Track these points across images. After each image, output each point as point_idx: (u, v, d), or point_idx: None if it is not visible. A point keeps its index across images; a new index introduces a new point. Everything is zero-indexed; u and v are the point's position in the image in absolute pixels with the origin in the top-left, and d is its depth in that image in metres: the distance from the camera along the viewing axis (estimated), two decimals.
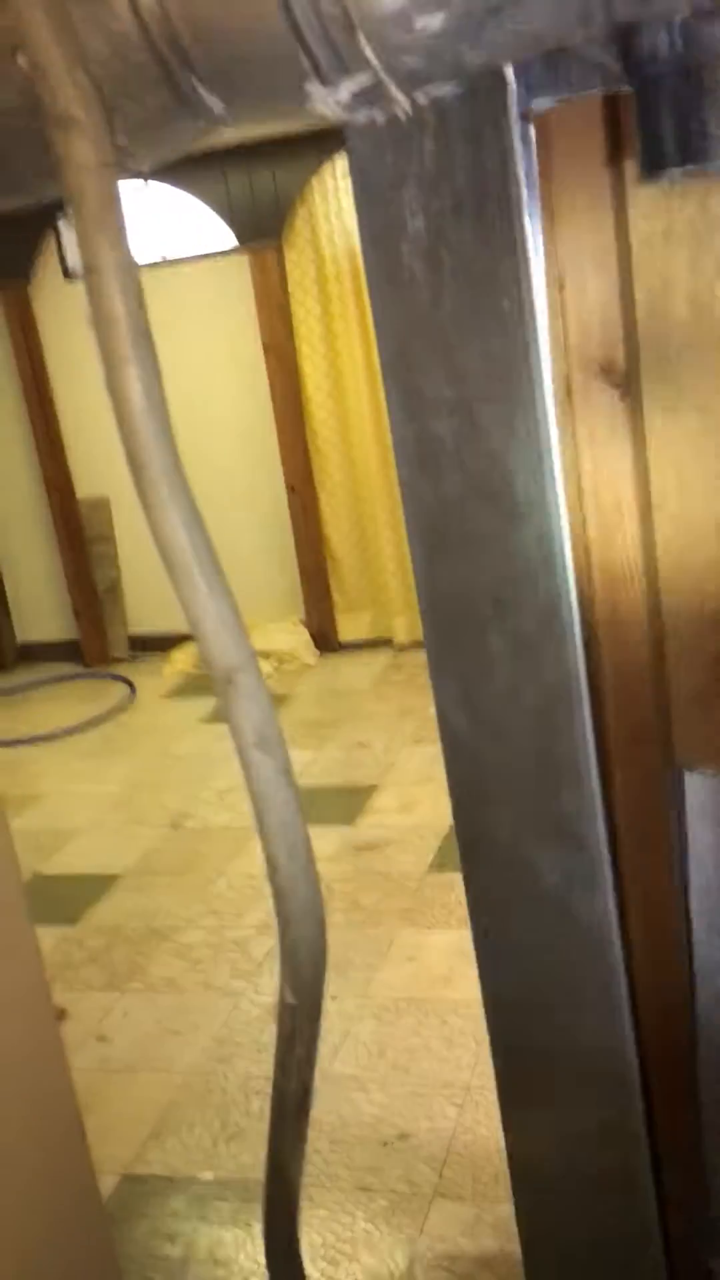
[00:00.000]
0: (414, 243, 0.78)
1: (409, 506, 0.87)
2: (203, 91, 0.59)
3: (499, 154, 0.74)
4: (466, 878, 0.98)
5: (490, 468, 0.82)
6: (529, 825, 0.93)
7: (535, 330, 0.79)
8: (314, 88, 0.57)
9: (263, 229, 4.75)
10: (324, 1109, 2.35)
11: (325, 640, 5.18)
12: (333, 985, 2.70)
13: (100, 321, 0.58)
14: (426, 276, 0.78)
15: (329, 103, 0.58)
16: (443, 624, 0.89)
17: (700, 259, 0.91)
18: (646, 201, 0.90)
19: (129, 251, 0.58)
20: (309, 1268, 2.00)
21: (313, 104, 0.58)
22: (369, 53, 0.55)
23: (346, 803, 3.72)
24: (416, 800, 3.67)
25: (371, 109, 0.61)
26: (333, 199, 4.70)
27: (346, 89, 0.57)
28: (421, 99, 0.62)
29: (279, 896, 0.68)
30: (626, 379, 0.93)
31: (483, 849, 0.96)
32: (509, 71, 0.71)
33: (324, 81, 0.57)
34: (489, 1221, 2.04)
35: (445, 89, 0.60)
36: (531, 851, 0.93)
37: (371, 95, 0.59)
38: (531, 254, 0.78)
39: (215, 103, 0.60)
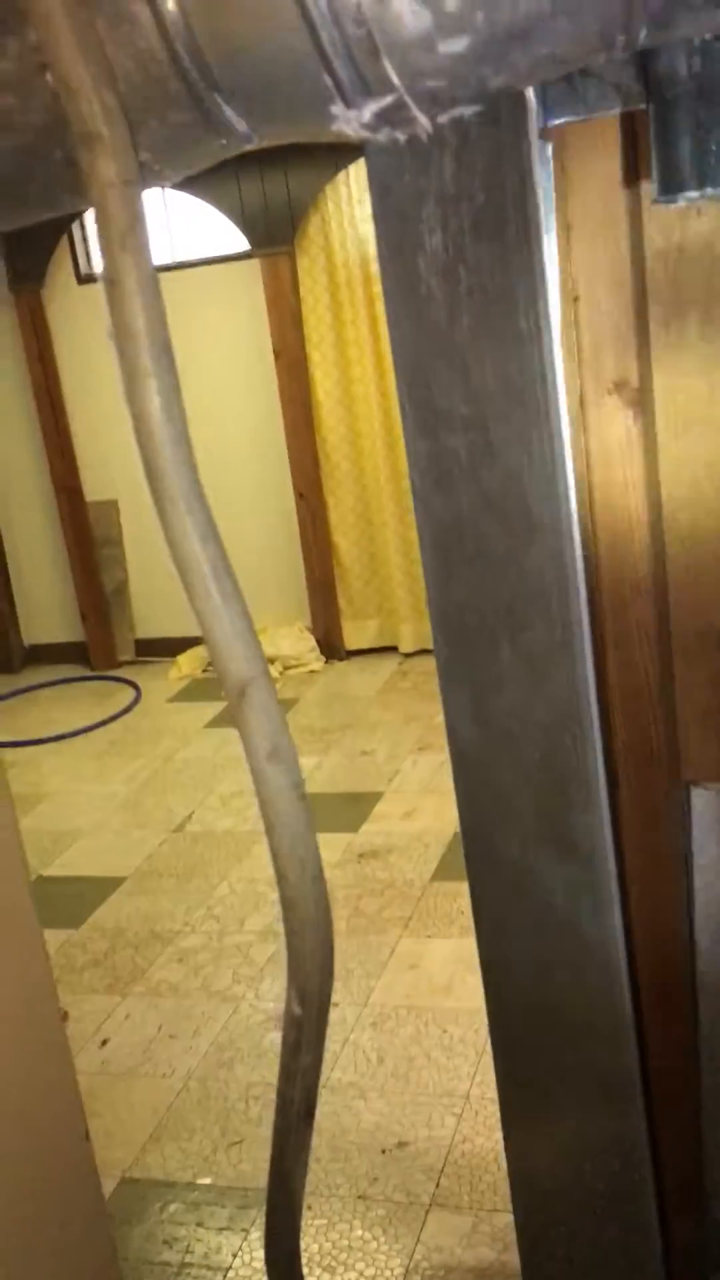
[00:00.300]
0: (432, 260, 0.78)
1: (422, 520, 0.87)
2: (226, 110, 0.60)
3: (518, 173, 0.75)
4: (473, 891, 0.98)
5: (504, 484, 0.83)
6: (537, 839, 0.93)
7: (551, 348, 0.80)
8: (337, 108, 0.58)
9: (275, 235, 4.76)
10: (323, 1116, 2.35)
11: (331, 647, 5.18)
12: (334, 993, 2.70)
13: (121, 334, 0.58)
14: (444, 293, 0.79)
15: (351, 123, 0.59)
16: (454, 637, 0.90)
17: (715, 277, 0.91)
18: (662, 219, 0.91)
19: (151, 266, 0.58)
20: (306, 1276, 2.00)
21: (336, 124, 0.59)
22: (393, 75, 0.55)
23: (350, 810, 3.72)
24: (420, 808, 3.67)
25: (393, 129, 0.61)
26: (346, 206, 4.71)
27: (369, 110, 0.58)
28: (442, 119, 0.62)
29: (288, 907, 0.68)
30: (639, 395, 0.94)
31: (490, 862, 0.96)
32: (529, 92, 0.71)
33: (347, 103, 0.57)
34: (486, 1232, 2.04)
35: (466, 110, 0.61)
36: (539, 865, 0.93)
37: (394, 116, 0.59)
38: (549, 272, 0.78)
39: (238, 121, 0.60)
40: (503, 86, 0.59)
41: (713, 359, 0.92)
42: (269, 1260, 0.92)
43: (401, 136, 0.62)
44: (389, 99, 0.57)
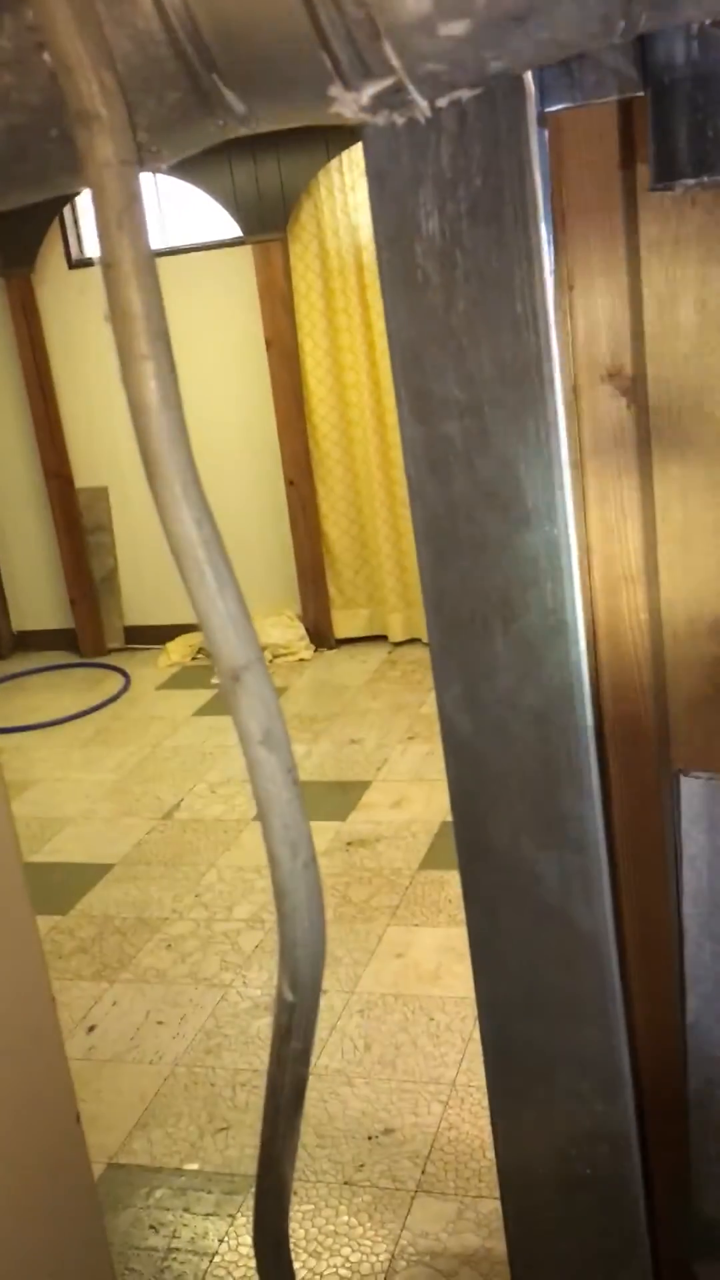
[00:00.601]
0: (428, 244, 0.78)
1: (417, 508, 0.87)
2: (225, 91, 0.59)
3: (516, 158, 0.74)
4: (464, 878, 0.98)
5: (500, 471, 0.83)
6: (528, 828, 0.93)
7: (548, 335, 0.79)
8: (336, 90, 0.58)
9: (268, 221, 4.75)
10: (310, 1103, 2.35)
11: (321, 635, 5.18)
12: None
13: (118, 317, 0.58)
14: (440, 278, 0.79)
15: (350, 105, 0.59)
16: (448, 625, 0.90)
17: (710, 266, 0.91)
18: (657, 207, 0.90)
19: (149, 248, 0.58)
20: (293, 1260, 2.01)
21: (334, 106, 0.59)
22: (392, 58, 0.55)
23: (339, 798, 3.72)
24: (408, 797, 3.68)
25: (391, 112, 0.61)
26: (339, 193, 4.70)
27: (368, 92, 0.58)
28: (441, 102, 0.62)
29: (280, 894, 0.68)
30: (633, 384, 0.93)
31: (481, 849, 0.96)
32: (528, 77, 0.71)
33: (346, 84, 0.57)
34: (471, 1218, 2.05)
35: (465, 93, 0.61)
36: (530, 854, 0.94)
37: (392, 98, 0.59)
38: (545, 258, 0.78)
39: (236, 102, 0.60)
40: (502, 70, 0.59)
41: (707, 348, 0.92)
42: (257, 1245, 0.92)
43: (400, 120, 0.62)
44: (388, 81, 0.57)
